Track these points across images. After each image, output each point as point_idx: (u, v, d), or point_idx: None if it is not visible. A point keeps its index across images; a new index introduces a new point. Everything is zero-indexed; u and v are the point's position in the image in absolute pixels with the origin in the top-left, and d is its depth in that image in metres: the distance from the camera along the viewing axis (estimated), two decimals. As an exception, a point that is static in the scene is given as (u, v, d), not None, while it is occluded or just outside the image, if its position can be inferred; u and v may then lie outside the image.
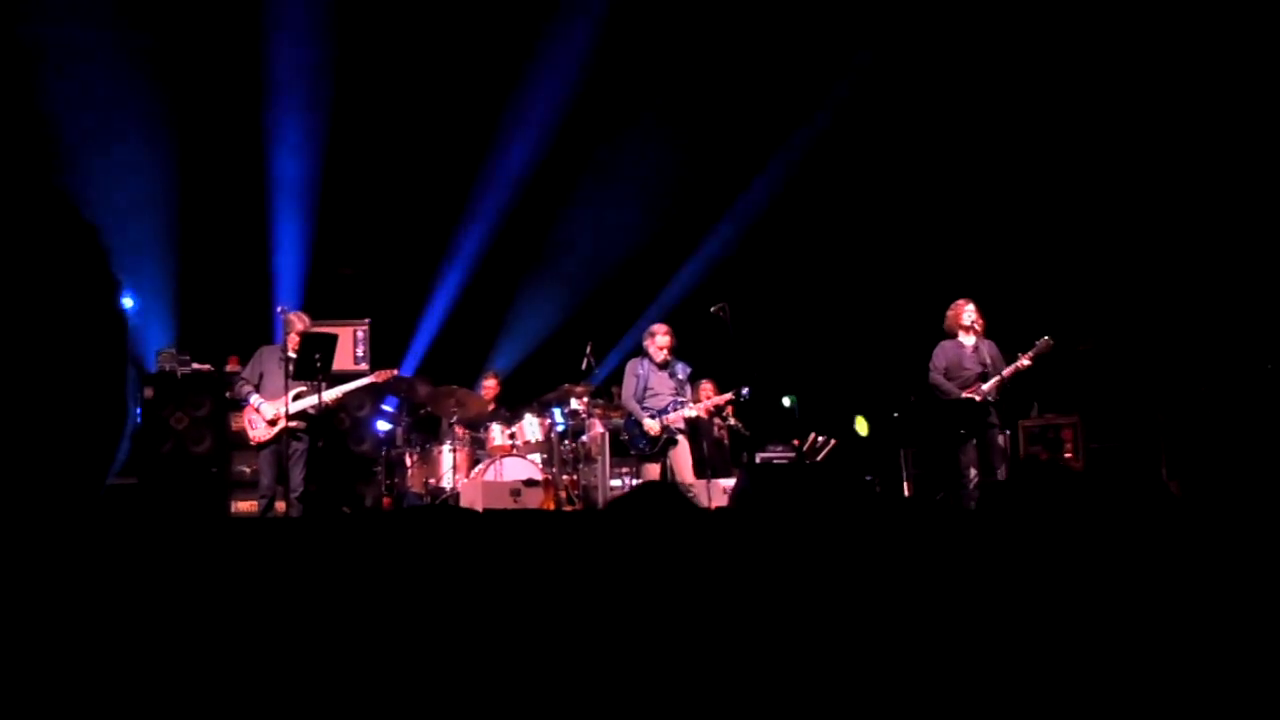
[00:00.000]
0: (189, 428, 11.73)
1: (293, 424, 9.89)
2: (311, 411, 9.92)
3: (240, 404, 10.21)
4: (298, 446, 9.95)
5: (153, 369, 12.13)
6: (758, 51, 13.42)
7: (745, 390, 10.70)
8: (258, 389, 10.01)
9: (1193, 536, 3.62)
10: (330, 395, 9.99)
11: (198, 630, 3.16)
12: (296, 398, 9.88)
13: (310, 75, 13.13)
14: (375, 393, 12.32)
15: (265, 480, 10.06)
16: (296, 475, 9.90)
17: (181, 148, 12.96)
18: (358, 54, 13.04)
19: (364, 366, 11.82)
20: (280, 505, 9.93)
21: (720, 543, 3.90)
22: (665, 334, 10.67)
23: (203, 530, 4.31)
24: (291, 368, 9.85)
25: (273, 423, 9.87)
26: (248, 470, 10.49)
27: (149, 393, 11.75)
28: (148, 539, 3.77)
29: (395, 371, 11.01)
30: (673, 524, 3.78)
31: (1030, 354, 10.12)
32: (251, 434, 10.02)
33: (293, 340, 9.99)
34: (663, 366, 10.64)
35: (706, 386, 11.62)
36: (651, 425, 10.42)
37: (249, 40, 12.70)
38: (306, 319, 10.17)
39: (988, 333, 10.45)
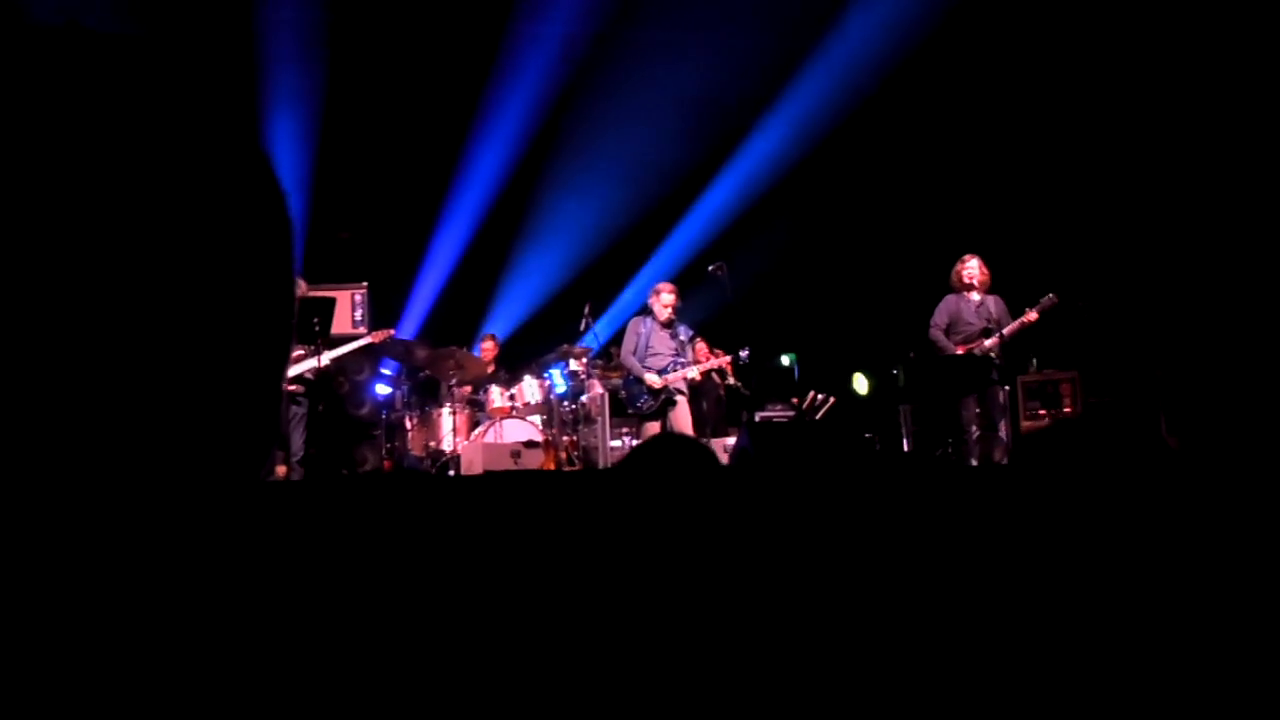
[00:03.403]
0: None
1: (290, 388, 9.87)
2: (309, 376, 9.92)
3: None
4: (296, 410, 9.95)
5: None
6: (757, 6, 13.37)
7: (744, 352, 10.68)
8: None
9: (1191, 492, 3.63)
10: (325, 358, 9.97)
11: (199, 593, 3.16)
12: (293, 362, 9.86)
13: (304, 35, 13.07)
14: (374, 356, 12.31)
15: None
16: (296, 439, 9.92)
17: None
18: (353, 14, 12.98)
19: (362, 330, 11.80)
20: (280, 469, 9.93)
21: (721, 501, 3.91)
22: (671, 292, 10.64)
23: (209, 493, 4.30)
24: None
25: (269, 387, 9.82)
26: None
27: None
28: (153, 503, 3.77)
29: (391, 332, 11.00)
30: (696, 477, 3.77)
31: (1035, 310, 10.10)
32: None
33: None
34: (666, 326, 10.62)
35: (701, 346, 11.60)
36: (653, 379, 10.40)
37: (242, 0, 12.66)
38: (302, 284, 10.15)
39: (993, 287, 10.42)
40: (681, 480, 3.68)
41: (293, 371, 9.84)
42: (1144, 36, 11.97)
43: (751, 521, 3.47)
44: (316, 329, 9.72)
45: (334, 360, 10.32)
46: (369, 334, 10.85)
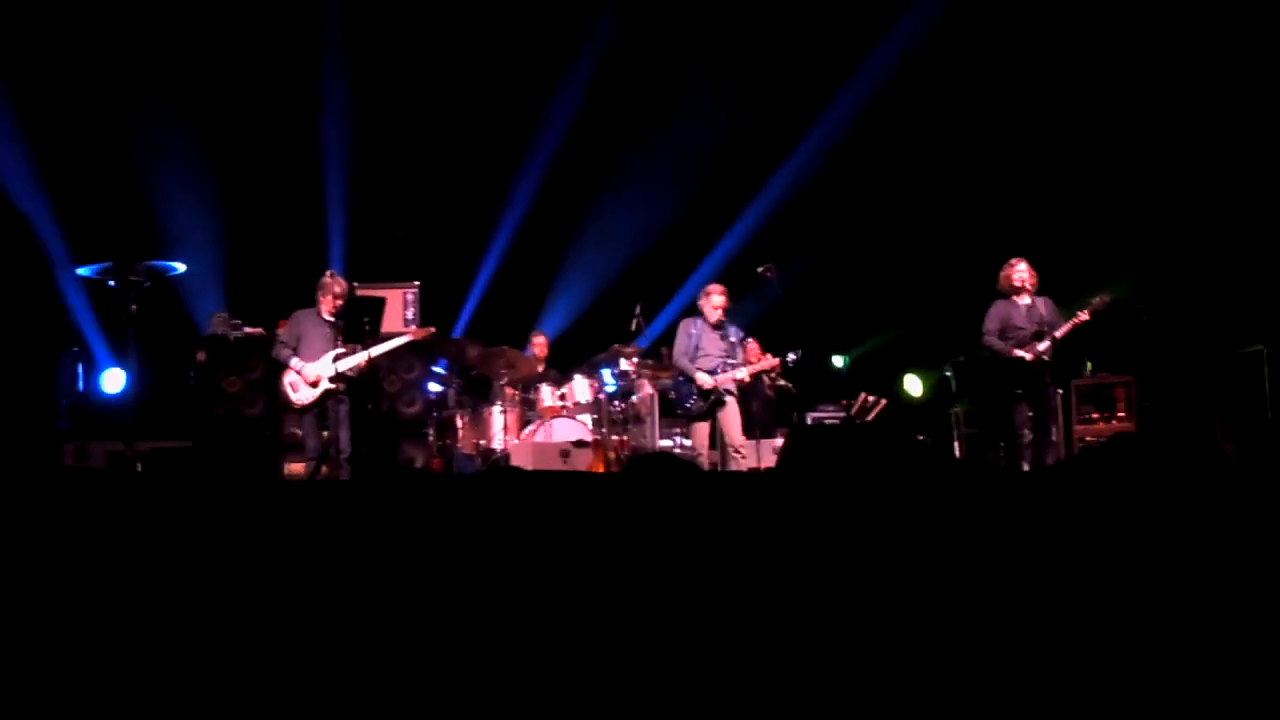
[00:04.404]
0: (242, 391, 11.82)
1: (334, 386, 9.93)
2: (350, 374, 9.96)
3: (281, 367, 10.21)
4: (341, 409, 9.99)
5: (205, 332, 12.22)
6: (805, 6, 13.31)
7: (793, 355, 10.62)
8: (296, 352, 10.04)
9: (1247, 498, 3.57)
10: (363, 357, 10.02)
11: (252, 586, 3.18)
12: (335, 359, 9.90)
13: (362, 35, 13.13)
14: (426, 354, 12.37)
15: (312, 443, 10.11)
16: (344, 437, 9.95)
17: (231, 111, 13.02)
18: (412, 11, 13.04)
19: (419, 329, 11.87)
20: (325, 468, 9.99)
21: (766, 502, 3.89)
22: (721, 294, 10.62)
23: (257, 491, 4.33)
24: (329, 330, 9.98)
25: (314, 385, 9.92)
26: (299, 432, 10.57)
27: (201, 356, 11.85)
28: (204, 500, 3.80)
29: (432, 330, 11.00)
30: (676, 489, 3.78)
31: (1087, 311, 9.99)
32: (294, 397, 10.03)
33: (328, 303, 10.06)
34: (716, 327, 10.59)
35: (752, 346, 11.56)
36: (705, 379, 10.37)
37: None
38: (344, 283, 10.21)
39: (1041, 290, 10.33)
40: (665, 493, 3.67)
41: (336, 369, 9.88)
42: (1199, 31, 11.84)
43: (780, 523, 3.45)
44: (367, 328, 9.75)
45: (382, 358, 10.35)
46: (412, 332, 10.85)
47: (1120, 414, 11.71)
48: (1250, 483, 3.78)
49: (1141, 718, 2.62)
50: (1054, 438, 10.28)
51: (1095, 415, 11.80)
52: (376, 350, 10.08)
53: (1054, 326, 10.05)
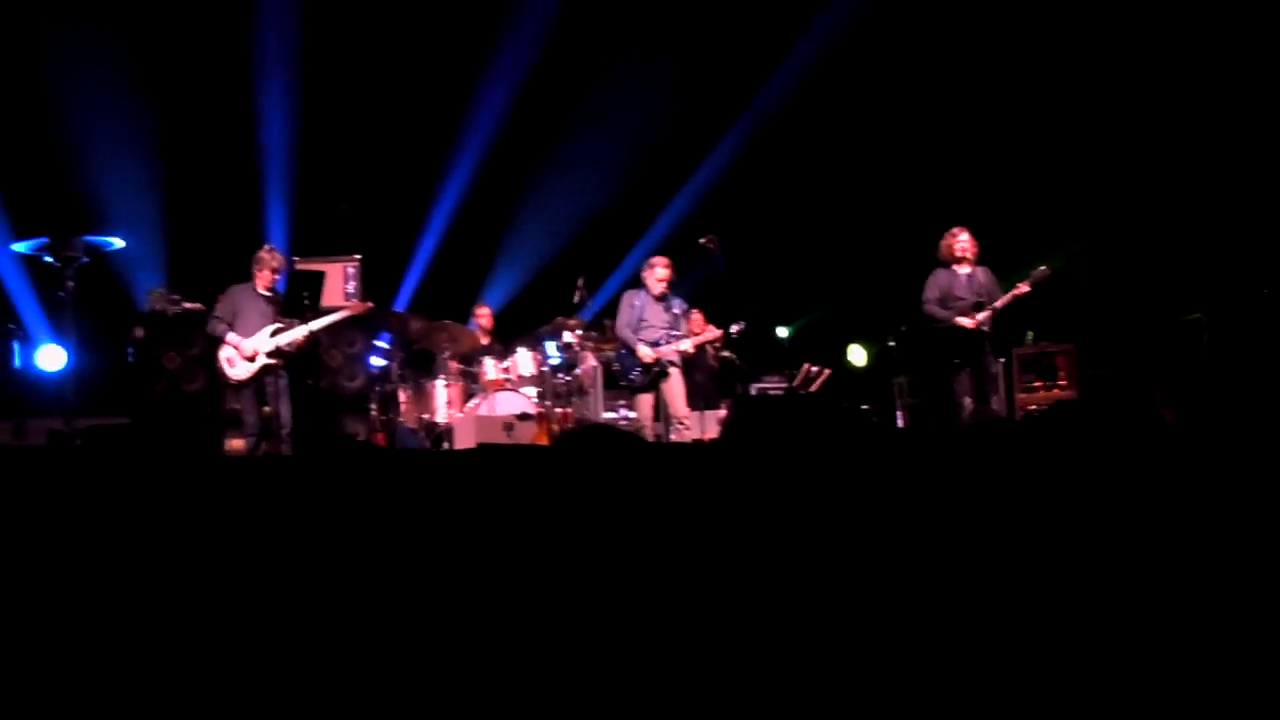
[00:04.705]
0: (182, 366, 11.72)
1: (271, 361, 9.90)
2: (288, 349, 9.93)
3: (218, 342, 10.16)
4: (280, 383, 9.96)
5: (144, 309, 12.10)
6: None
7: (736, 326, 10.63)
8: (232, 328, 10.00)
9: (1186, 463, 3.61)
10: (301, 332, 9.97)
11: (193, 562, 3.15)
12: (272, 335, 9.88)
13: (296, 8, 12.99)
14: (368, 329, 12.31)
15: (251, 419, 10.09)
16: (285, 412, 9.96)
17: (167, 85, 12.86)
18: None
19: (357, 303, 11.78)
20: (266, 444, 9.96)
21: (711, 472, 3.88)
22: (665, 267, 10.61)
23: (198, 467, 4.29)
24: (265, 305, 9.97)
25: (251, 359, 9.88)
26: (239, 408, 10.50)
27: (140, 332, 11.74)
28: (145, 476, 3.76)
29: (370, 305, 11.00)
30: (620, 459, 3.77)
31: (1027, 283, 10.05)
32: (230, 373, 10.00)
33: (264, 278, 10.06)
34: (659, 299, 10.59)
35: (696, 317, 11.56)
36: (646, 352, 10.37)
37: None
38: (281, 257, 10.19)
39: (982, 259, 10.38)
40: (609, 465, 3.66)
41: (274, 344, 9.85)
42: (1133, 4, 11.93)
43: (725, 493, 3.45)
44: (306, 302, 9.71)
45: (323, 332, 10.32)
46: (350, 307, 10.80)
47: (1062, 382, 11.82)
48: (1189, 448, 3.82)
49: (1086, 680, 2.64)
50: (995, 406, 10.36)
51: (1038, 384, 11.91)
52: (314, 325, 10.03)
53: (993, 297, 10.12)
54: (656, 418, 10.58)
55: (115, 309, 12.58)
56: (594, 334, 12.15)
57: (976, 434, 9.87)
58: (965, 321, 10.08)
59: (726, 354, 12.63)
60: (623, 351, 10.66)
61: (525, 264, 14.70)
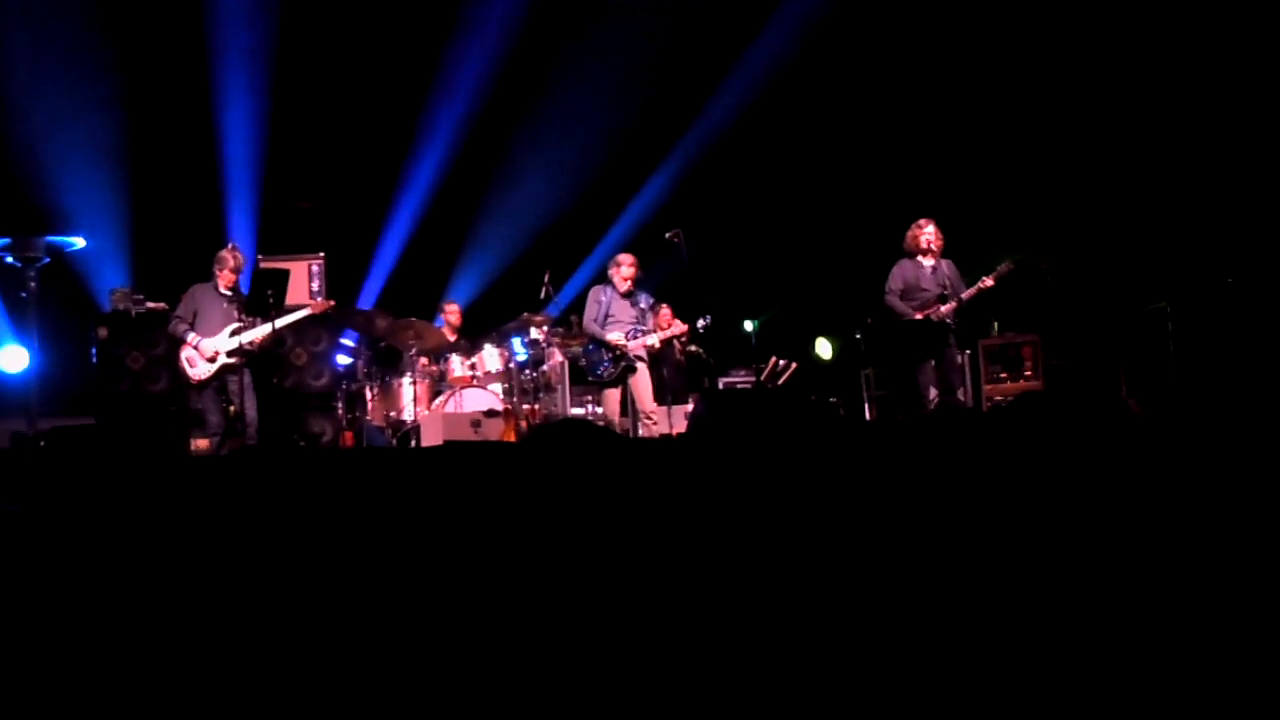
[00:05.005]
0: (145, 367, 11.67)
1: (232, 360, 9.94)
2: (250, 349, 9.95)
3: (179, 343, 10.17)
4: (243, 381, 9.97)
5: (107, 309, 12.04)
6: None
7: (702, 321, 10.62)
8: (193, 327, 10.01)
9: (1152, 452, 3.63)
10: (261, 331, 9.99)
11: (162, 562, 3.13)
12: (233, 334, 9.90)
13: (257, 7, 12.93)
14: (333, 327, 12.28)
15: (214, 419, 10.18)
16: (250, 410, 9.99)
17: (128, 85, 12.78)
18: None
19: (319, 301, 11.74)
20: (230, 443, 9.97)
21: (678, 466, 3.89)
22: (630, 264, 10.61)
23: (164, 468, 4.27)
24: (226, 305, 10.02)
25: (212, 359, 9.91)
26: (202, 408, 10.48)
27: (103, 333, 11.68)
28: (109, 476, 3.73)
29: (332, 304, 11.04)
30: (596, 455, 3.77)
31: (992, 276, 10.08)
32: (190, 372, 10.08)
33: (225, 277, 10.13)
34: (626, 295, 10.58)
35: (665, 312, 11.57)
36: (617, 337, 10.36)
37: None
38: (242, 256, 10.23)
39: (946, 252, 10.41)
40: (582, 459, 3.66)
41: (233, 343, 9.89)
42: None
43: (692, 488, 3.45)
44: (270, 301, 9.69)
45: (287, 331, 10.34)
46: (313, 305, 10.81)
47: (1028, 373, 11.88)
48: (1154, 437, 3.84)
49: (1053, 669, 2.64)
50: (961, 397, 10.39)
51: (1004, 375, 11.96)
52: (277, 324, 10.02)
53: (958, 289, 10.15)
54: (624, 413, 10.58)
55: (78, 309, 12.50)
56: (560, 330, 12.15)
57: (942, 425, 9.92)
58: (929, 314, 10.10)
59: (693, 348, 12.64)
60: (590, 347, 10.66)
61: (491, 260, 14.66)
